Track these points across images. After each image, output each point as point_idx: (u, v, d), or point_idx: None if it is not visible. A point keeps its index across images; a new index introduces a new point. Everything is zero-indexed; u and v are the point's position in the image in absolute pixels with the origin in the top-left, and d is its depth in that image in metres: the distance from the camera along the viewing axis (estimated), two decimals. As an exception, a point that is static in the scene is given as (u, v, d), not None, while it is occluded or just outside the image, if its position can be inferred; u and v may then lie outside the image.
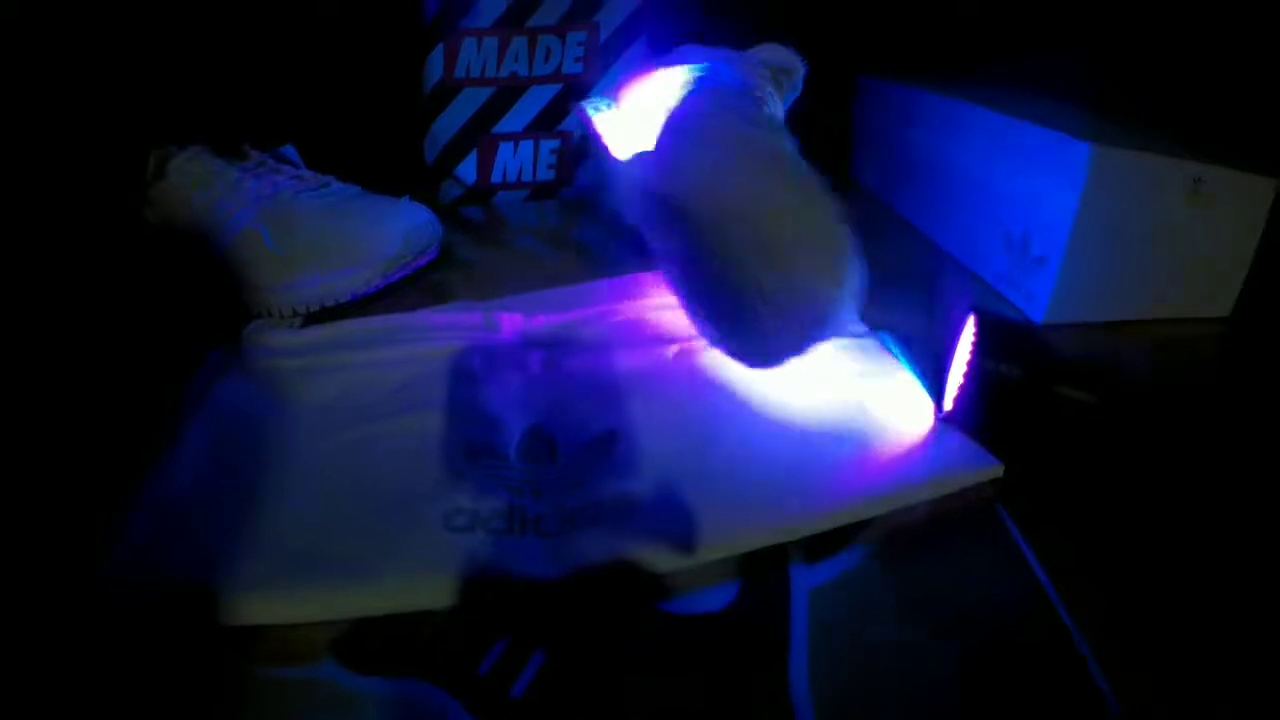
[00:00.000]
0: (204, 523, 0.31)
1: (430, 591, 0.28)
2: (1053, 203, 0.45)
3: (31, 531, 0.32)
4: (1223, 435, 0.36)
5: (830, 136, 0.68)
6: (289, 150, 0.52)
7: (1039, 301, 0.46)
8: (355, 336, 0.43)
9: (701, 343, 0.40)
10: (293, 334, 0.44)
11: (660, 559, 0.29)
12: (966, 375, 0.33)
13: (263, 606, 0.27)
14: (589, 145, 0.54)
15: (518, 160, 0.64)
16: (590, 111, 0.54)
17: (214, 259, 0.48)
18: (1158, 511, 0.32)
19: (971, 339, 0.34)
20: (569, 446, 0.34)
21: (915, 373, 0.38)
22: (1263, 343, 0.46)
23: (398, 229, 0.46)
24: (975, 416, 0.34)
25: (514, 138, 0.63)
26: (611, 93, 0.54)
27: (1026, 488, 0.32)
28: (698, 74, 0.45)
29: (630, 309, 0.44)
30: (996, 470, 0.33)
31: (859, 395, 0.37)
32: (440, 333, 0.43)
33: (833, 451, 0.33)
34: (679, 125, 0.39)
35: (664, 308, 0.43)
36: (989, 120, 0.51)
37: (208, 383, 0.40)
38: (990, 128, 0.51)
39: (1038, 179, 0.46)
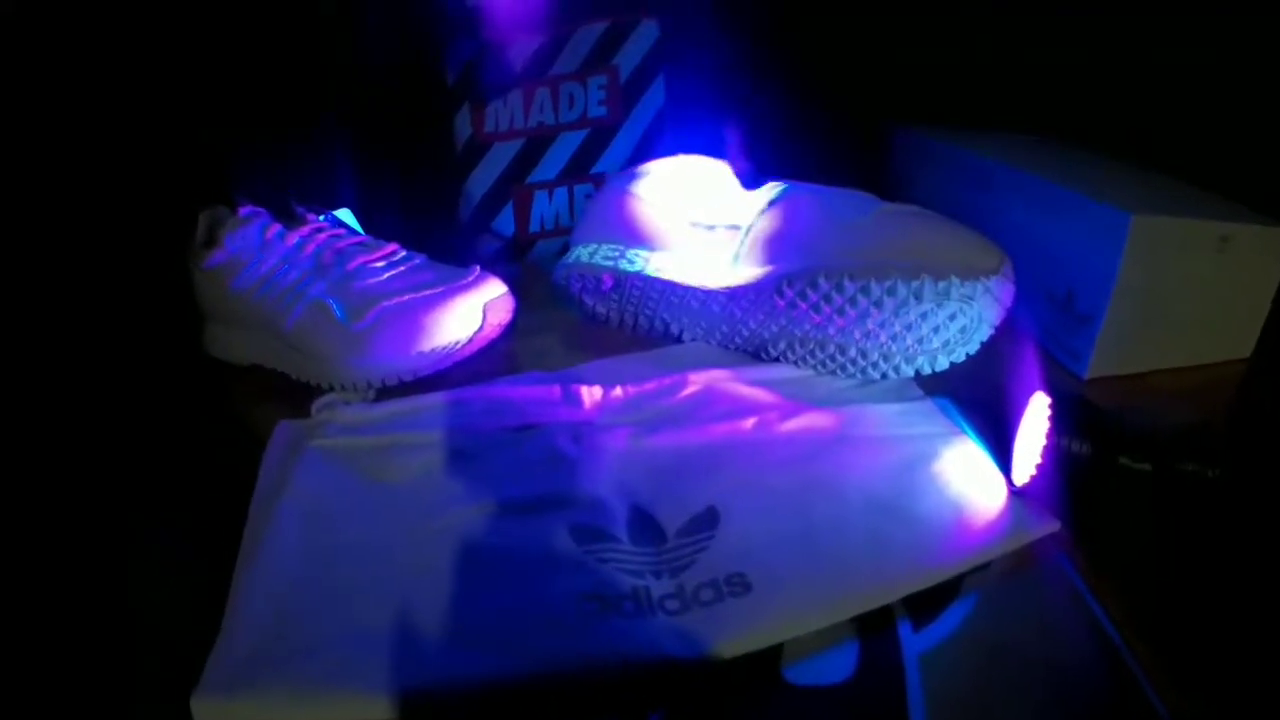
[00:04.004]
0: (315, 624, 0.32)
1: (578, 677, 0.31)
2: (1095, 264, 0.50)
3: (114, 619, 0.34)
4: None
5: (867, 189, 0.74)
6: (345, 213, 0.55)
7: (1083, 358, 0.52)
8: (433, 413, 0.46)
9: (776, 414, 0.45)
10: (367, 409, 0.47)
11: (780, 632, 0.33)
12: (1045, 454, 0.38)
13: (396, 704, 0.29)
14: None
15: (553, 208, 0.68)
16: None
17: (277, 331, 0.50)
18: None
19: (1046, 416, 0.39)
20: (673, 525, 0.38)
21: (979, 441, 0.43)
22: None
23: (478, 303, 0.49)
24: (1052, 494, 0.39)
25: (548, 186, 0.68)
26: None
27: (1098, 555, 0.38)
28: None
29: (700, 379, 0.48)
30: (1054, 526, 0.38)
31: (930, 462, 0.41)
32: (521, 408, 0.46)
33: (915, 517, 0.38)
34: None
35: (733, 378, 0.48)
36: (1030, 183, 0.56)
37: (282, 463, 0.42)
38: (1031, 190, 0.56)
39: (1080, 241, 0.51)
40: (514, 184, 0.67)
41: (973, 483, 0.40)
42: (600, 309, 0.55)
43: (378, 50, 0.62)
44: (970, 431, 0.44)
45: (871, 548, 0.36)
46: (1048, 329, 0.55)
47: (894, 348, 0.46)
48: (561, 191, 0.68)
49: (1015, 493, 0.40)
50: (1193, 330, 0.53)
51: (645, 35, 0.66)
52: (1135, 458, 0.41)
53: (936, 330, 0.45)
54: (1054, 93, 0.67)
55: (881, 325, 0.45)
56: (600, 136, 0.67)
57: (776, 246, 0.48)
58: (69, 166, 0.56)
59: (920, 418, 0.45)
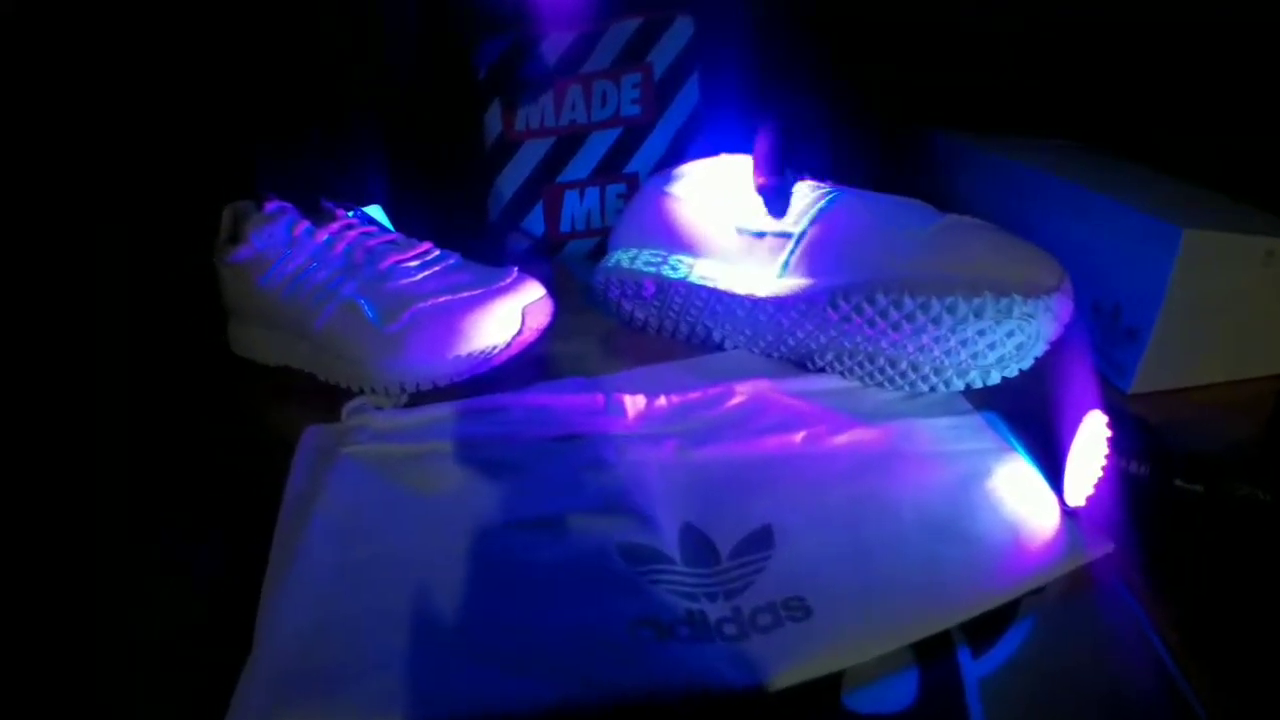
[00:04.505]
0: (349, 646, 0.31)
1: (635, 707, 0.30)
2: (1143, 279, 0.50)
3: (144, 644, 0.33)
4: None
5: (905, 194, 0.73)
6: (375, 210, 0.53)
7: (1128, 372, 0.51)
8: (470, 420, 0.45)
9: (825, 428, 0.44)
10: (400, 415, 0.46)
11: (842, 659, 0.32)
12: (1105, 474, 0.38)
13: None
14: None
15: (584, 207, 0.68)
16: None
17: (305, 331, 0.49)
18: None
19: (1105, 437, 0.38)
20: (728, 545, 0.37)
21: (1029, 458, 0.42)
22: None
23: (516, 306, 0.48)
24: (1106, 515, 0.38)
25: (579, 185, 0.67)
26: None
27: (1154, 579, 0.37)
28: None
29: (746, 389, 0.47)
30: (1108, 548, 0.37)
31: (984, 480, 0.41)
32: (563, 417, 0.45)
33: (972, 538, 0.37)
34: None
35: (779, 389, 0.47)
36: (1074, 193, 0.56)
37: (312, 470, 0.41)
38: (1076, 200, 0.56)
39: (1128, 255, 0.51)
40: (544, 183, 0.66)
41: (1027, 503, 0.40)
42: (639, 315, 0.54)
43: (408, 45, 0.61)
44: (1020, 448, 0.43)
45: (929, 571, 0.36)
46: (1093, 343, 0.54)
47: (947, 362, 0.45)
48: (593, 191, 0.67)
49: (1068, 513, 0.39)
50: (1237, 345, 0.53)
51: (680, 33, 0.65)
52: (1188, 479, 0.41)
53: (993, 346, 0.44)
54: (1083, 100, 0.67)
55: (937, 340, 0.44)
56: (633, 135, 0.66)
57: (830, 256, 0.48)
58: (92, 159, 0.55)
59: (970, 433, 0.44)
